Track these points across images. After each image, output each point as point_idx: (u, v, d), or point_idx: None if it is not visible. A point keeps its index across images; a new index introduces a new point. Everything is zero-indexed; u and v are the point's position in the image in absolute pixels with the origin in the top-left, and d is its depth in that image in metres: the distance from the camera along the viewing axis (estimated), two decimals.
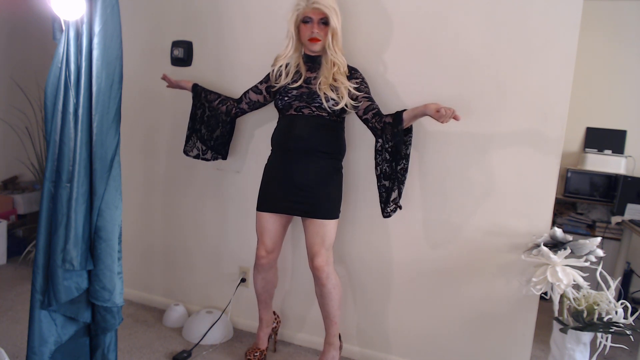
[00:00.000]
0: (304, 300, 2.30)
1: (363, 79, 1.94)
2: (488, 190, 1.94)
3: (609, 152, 3.31)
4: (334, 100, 1.86)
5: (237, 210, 2.38)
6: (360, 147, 2.10)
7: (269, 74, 2.02)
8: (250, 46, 2.25)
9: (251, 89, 2.08)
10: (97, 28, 1.38)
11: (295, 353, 2.24)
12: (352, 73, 1.93)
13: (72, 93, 1.40)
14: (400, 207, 1.90)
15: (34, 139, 3.30)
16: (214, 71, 2.34)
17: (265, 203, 1.96)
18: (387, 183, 1.89)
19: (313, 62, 1.94)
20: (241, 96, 2.12)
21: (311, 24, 1.86)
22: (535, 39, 1.82)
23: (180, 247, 2.55)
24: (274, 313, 2.22)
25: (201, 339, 2.22)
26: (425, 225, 2.04)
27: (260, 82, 2.05)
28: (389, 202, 1.89)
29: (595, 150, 3.35)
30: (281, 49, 1.95)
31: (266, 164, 2.01)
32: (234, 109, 2.13)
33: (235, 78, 2.30)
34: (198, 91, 2.18)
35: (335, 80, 1.86)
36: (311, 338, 2.29)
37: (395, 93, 2.02)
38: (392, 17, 2.00)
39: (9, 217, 3.21)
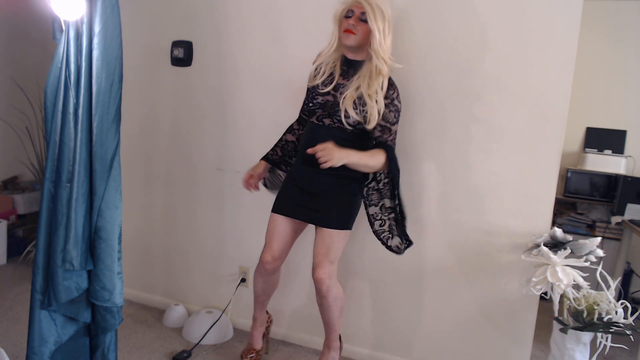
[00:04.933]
0: (304, 300, 2.30)
1: (393, 100, 1.78)
2: (488, 190, 1.94)
3: (609, 152, 3.31)
4: (354, 119, 1.75)
5: (237, 210, 2.38)
6: None
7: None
8: (250, 46, 2.25)
9: (304, 103, 1.94)
10: (97, 28, 1.38)
11: (296, 353, 2.24)
12: (387, 89, 1.77)
13: (72, 93, 1.40)
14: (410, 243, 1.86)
15: (34, 139, 3.30)
16: (214, 71, 2.34)
17: (280, 205, 1.92)
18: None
19: (349, 67, 1.83)
20: (299, 115, 2.01)
21: (351, 18, 1.75)
22: (535, 39, 1.82)
23: (180, 247, 2.55)
24: (267, 312, 2.20)
25: (201, 339, 2.22)
26: (425, 225, 2.04)
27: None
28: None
29: (595, 150, 3.35)
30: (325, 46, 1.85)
31: (291, 167, 1.98)
32: (297, 126, 2.04)
33: (236, 78, 2.31)
34: (276, 162, 2.02)
35: (368, 95, 1.72)
36: (311, 338, 2.29)
37: None
38: (391, 16, 2.00)
39: (9, 217, 3.21)
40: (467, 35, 1.91)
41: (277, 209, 1.92)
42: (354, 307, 2.21)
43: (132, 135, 2.53)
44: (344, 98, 1.76)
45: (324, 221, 1.84)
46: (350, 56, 1.83)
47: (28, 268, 2.97)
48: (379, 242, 2.12)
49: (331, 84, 1.83)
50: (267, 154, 2.02)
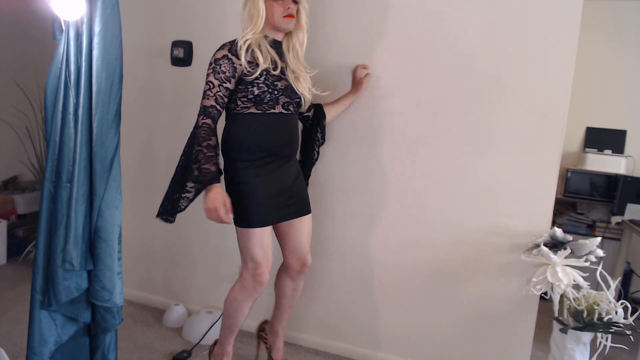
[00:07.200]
0: (303, 300, 2.29)
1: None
2: (488, 190, 1.94)
3: (609, 152, 3.31)
4: (308, 99, 1.79)
5: None
6: (335, 146, 2.10)
7: (227, 67, 1.65)
8: None
9: (222, 95, 1.66)
10: (97, 28, 1.38)
11: (296, 353, 2.24)
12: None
13: (72, 93, 1.40)
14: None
15: (34, 139, 3.30)
16: None
17: (265, 217, 1.72)
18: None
19: (279, 49, 1.74)
20: (214, 111, 1.66)
21: (283, 1, 1.65)
22: (535, 39, 1.82)
23: (180, 247, 2.55)
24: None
25: (201, 339, 2.22)
26: (425, 225, 2.04)
27: (228, 80, 1.65)
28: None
29: (595, 150, 3.35)
30: (246, 30, 1.68)
31: (249, 172, 1.69)
32: (214, 126, 1.70)
33: None
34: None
35: (301, 69, 1.75)
36: (311, 338, 2.29)
37: (393, 93, 2.02)
38: (391, 16, 2.00)
39: (9, 217, 3.21)
40: (467, 36, 1.91)
41: (264, 221, 1.72)
42: (354, 307, 2.21)
43: (132, 135, 2.53)
44: (294, 80, 1.73)
45: (305, 209, 1.86)
46: (280, 37, 1.75)
47: (28, 268, 2.97)
48: (379, 243, 2.14)
49: (278, 67, 1.70)
50: (216, 173, 1.61)
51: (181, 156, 1.76)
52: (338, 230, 2.18)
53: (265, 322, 2.09)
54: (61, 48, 1.41)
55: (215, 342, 2.00)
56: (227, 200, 1.62)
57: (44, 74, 1.46)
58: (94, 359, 1.59)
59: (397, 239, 2.10)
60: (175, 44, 2.39)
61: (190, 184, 1.73)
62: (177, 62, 2.40)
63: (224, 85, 1.65)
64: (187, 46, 2.37)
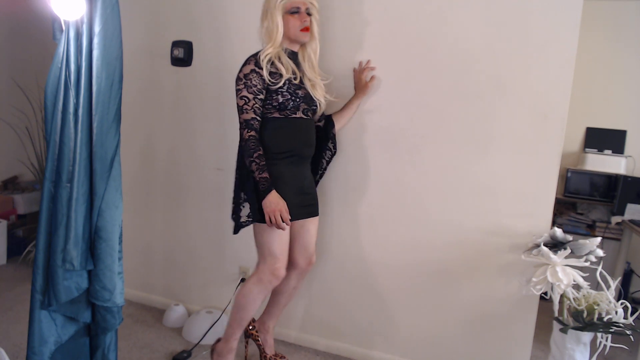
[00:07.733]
0: (303, 300, 2.30)
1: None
2: (488, 190, 1.94)
3: (609, 152, 3.31)
4: (324, 106, 1.90)
5: None
6: (350, 148, 2.10)
7: (257, 81, 1.73)
8: (250, 46, 2.25)
9: (258, 106, 1.75)
10: (97, 28, 1.38)
11: (296, 353, 2.24)
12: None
13: (72, 93, 1.40)
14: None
15: (34, 139, 3.30)
16: (214, 71, 2.34)
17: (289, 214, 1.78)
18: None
19: (296, 60, 1.85)
20: (256, 123, 1.75)
21: (299, 15, 1.76)
22: (535, 39, 1.82)
23: (181, 246, 2.55)
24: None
25: (201, 339, 2.22)
26: (425, 225, 2.04)
27: (260, 92, 1.74)
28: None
29: (595, 150, 3.35)
30: (266, 44, 1.78)
31: (274, 170, 1.77)
32: (258, 136, 1.78)
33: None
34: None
35: (316, 77, 1.87)
36: (311, 338, 2.30)
37: (393, 94, 2.02)
38: (391, 16, 2.00)
39: (9, 217, 3.21)
40: (467, 36, 1.91)
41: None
42: (354, 307, 2.21)
43: (132, 135, 2.53)
44: (311, 88, 1.84)
45: (317, 211, 1.95)
46: (295, 48, 1.86)
47: (28, 268, 2.97)
48: (379, 243, 2.14)
49: (298, 76, 1.82)
50: (270, 179, 1.72)
51: (236, 170, 1.86)
52: (338, 230, 2.18)
53: (253, 320, 2.11)
54: (61, 48, 1.41)
55: (217, 341, 2.03)
56: (284, 203, 1.73)
57: (44, 74, 1.46)
58: (94, 359, 1.59)
59: (397, 239, 2.10)
60: (175, 44, 2.39)
61: (243, 195, 1.82)
62: (177, 62, 2.41)
63: (258, 97, 1.75)
64: (187, 46, 2.37)
